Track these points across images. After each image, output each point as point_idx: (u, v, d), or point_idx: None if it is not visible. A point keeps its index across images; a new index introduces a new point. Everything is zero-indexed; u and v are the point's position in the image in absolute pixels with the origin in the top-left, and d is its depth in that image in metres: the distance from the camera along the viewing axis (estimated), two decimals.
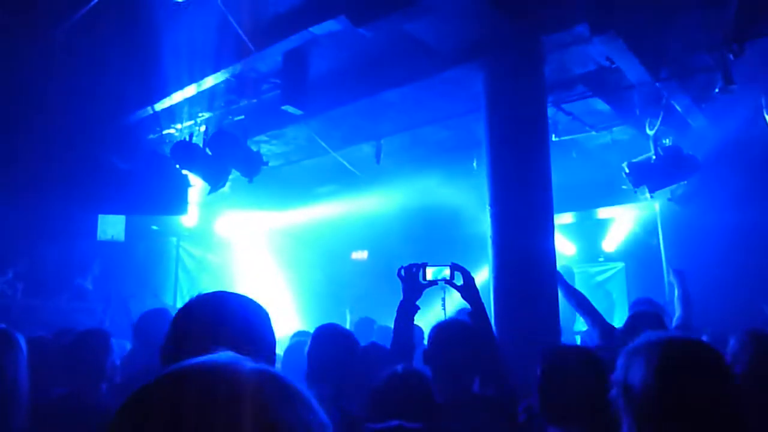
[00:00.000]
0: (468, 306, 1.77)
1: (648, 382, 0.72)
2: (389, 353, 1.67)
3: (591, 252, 5.73)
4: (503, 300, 2.41)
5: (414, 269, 1.79)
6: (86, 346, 1.48)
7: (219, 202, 5.11)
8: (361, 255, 6.92)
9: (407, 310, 1.74)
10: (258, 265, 6.24)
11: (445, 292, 4.47)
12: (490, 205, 2.54)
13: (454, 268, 1.78)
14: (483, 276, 2.52)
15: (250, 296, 0.81)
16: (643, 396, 0.71)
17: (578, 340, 3.96)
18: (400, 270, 1.81)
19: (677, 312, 2.33)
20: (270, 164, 3.82)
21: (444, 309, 4.50)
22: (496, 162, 2.52)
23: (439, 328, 1.57)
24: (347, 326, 3.37)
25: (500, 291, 2.43)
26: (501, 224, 2.51)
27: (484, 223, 2.52)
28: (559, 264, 2.47)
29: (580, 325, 4.35)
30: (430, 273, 1.78)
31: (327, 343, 1.56)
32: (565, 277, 2.36)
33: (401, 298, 1.75)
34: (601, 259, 5.78)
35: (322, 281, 6.19)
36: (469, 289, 1.75)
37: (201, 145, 3.50)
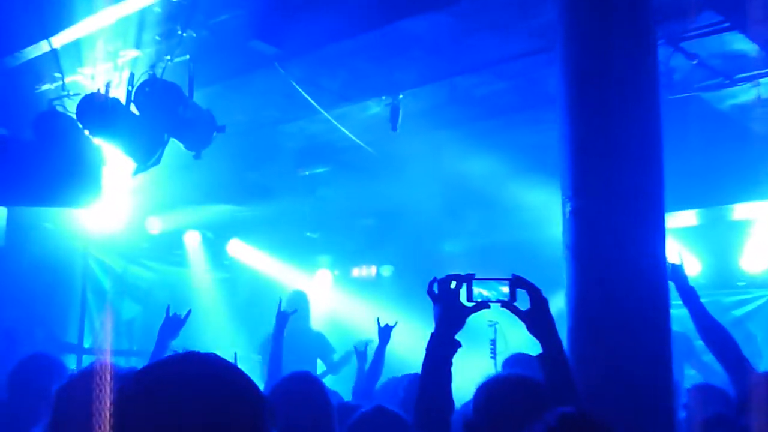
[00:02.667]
0: (533, 346, 1.82)
1: None
2: (407, 426, 1.71)
3: (724, 271, 5.56)
4: (586, 337, 2.45)
5: (454, 284, 1.82)
6: None
7: (154, 190, 5.14)
8: (370, 271, 7.41)
9: (442, 348, 1.73)
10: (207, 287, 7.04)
11: (496, 331, 5.40)
12: (568, 198, 2.58)
13: (516, 284, 1.80)
14: (556, 303, 2.59)
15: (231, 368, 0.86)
16: None
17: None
18: (432, 285, 1.84)
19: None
20: (228, 131, 3.70)
21: (494, 354, 4.85)
22: (577, 131, 2.52)
23: (491, 387, 1.58)
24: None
25: (581, 324, 2.47)
26: (584, 226, 2.54)
27: (556, 225, 2.61)
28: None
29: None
30: (478, 289, 1.85)
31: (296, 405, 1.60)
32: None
33: (433, 329, 1.78)
34: (740, 284, 5.65)
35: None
36: (539, 319, 1.77)
37: (123, 101, 3.31)
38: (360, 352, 4.06)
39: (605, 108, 2.46)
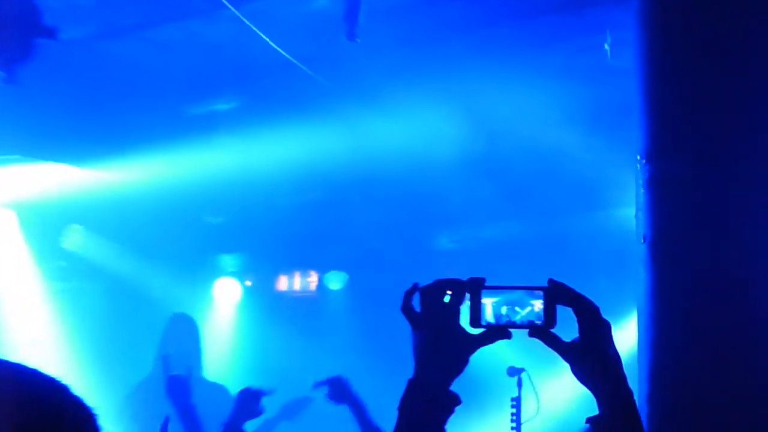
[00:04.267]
0: (586, 406, 1.86)
1: None
2: None
3: None
4: (676, 386, 2.56)
5: (449, 294, 1.82)
6: None
7: None
8: (306, 282, 7.65)
9: (428, 406, 1.73)
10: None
11: (521, 382, 5.64)
12: (645, 160, 2.71)
13: (555, 296, 1.82)
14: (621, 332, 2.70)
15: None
16: None
17: None
18: (409, 296, 1.84)
19: None
20: (69, 38, 3.94)
21: (518, 422, 4.98)
22: (662, 58, 2.72)
23: None
24: None
25: (667, 364, 2.59)
26: (672, 205, 2.68)
27: (621, 206, 2.72)
28: None
29: None
30: (491, 305, 1.85)
31: None
32: None
33: (411, 374, 1.77)
34: None
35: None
36: (595, 356, 1.79)
37: None
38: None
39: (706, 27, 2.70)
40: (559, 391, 5.86)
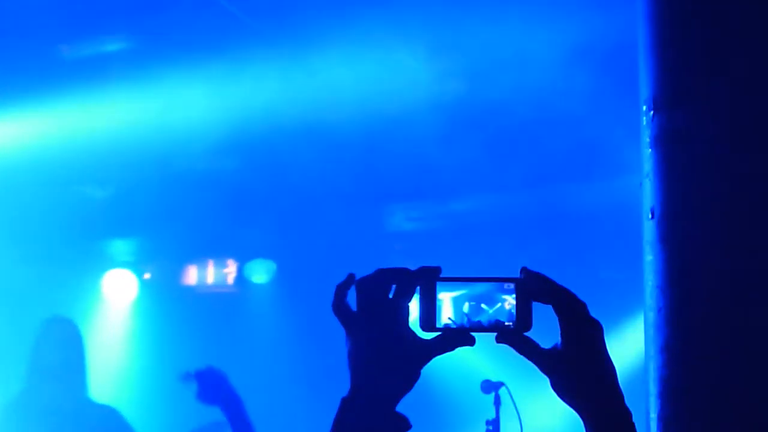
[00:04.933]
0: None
1: None
2: None
3: None
4: (694, 397, 2.61)
5: (394, 288, 1.82)
6: None
7: None
8: (222, 275, 7.80)
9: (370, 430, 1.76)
10: None
11: (499, 401, 5.64)
12: (652, 111, 2.73)
13: (530, 290, 1.83)
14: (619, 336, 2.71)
15: None
16: None
17: None
18: (343, 290, 1.83)
19: None
20: None
21: None
22: None
23: None
24: None
25: (682, 369, 2.63)
26: (685, 178, 2.70)
27: (626, 170, 2.76)
28: None
29: None
30: (450, 302, 1.83)
31: None
32: None
33: (347, 388, 1.76)
34: None
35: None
36: (581, 366, 1.81)
37: None
38: None
39: None
40: (548, 411, 5.89)
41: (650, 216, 2.68)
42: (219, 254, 7.91)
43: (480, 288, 1.84)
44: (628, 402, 1.82)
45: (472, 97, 5.93)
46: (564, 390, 1.81)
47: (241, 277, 7.79)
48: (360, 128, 6.08)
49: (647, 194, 2.72)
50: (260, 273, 7.75)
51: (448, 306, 1.83)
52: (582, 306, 1.80)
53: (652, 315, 2.67)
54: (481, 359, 6.06)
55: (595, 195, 5.66)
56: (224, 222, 7.40)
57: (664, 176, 2.69)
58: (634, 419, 1.82)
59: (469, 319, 1.82)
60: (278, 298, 7.55)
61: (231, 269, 7.81)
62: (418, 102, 5.86)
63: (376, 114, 5.95)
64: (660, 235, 2.68)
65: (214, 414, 4.94)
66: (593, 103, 5.49)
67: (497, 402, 5.29)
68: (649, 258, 2.69)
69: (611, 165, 5.79)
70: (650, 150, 2.70)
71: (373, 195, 7.03)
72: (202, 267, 7.87)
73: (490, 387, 5.39)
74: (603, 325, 1.82)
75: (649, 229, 2.70)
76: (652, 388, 2.63)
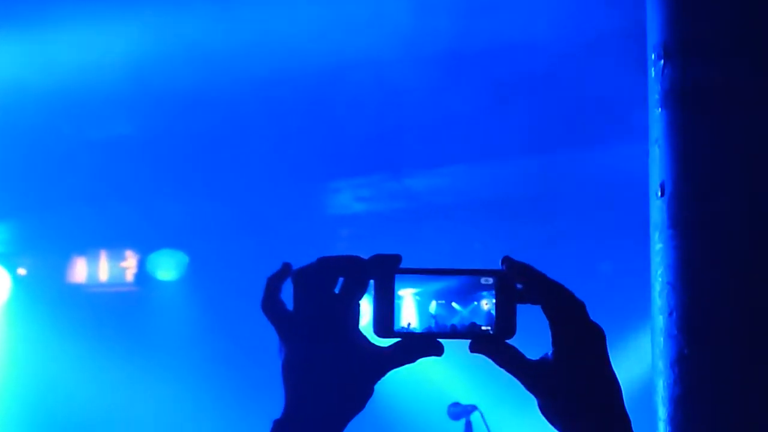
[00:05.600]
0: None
1: None
2: None
3: None
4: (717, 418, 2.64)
5: (345, 281, 1.83)
6: None
7: None
8: (118, 269, 7.94)
9: None
10: None
11: (470, 424, 5.62)
12: (662, 60, 2.76)
13: (511, 285, 1.86)
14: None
15: None
16: None
17: None
18: (275, 283, 1.85)
19: None
20: None
21: None
22: None
23: None
24: None
25: (699, 383, 2.67)
26: (704, 143, 2.73)
27: (630, 135, 2.76)
28: None
29: None
30: (411, 300, 1.85)
31: None
32: None
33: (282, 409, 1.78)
34: None
35: None
36: (581, 383, 1.83)
37: None
38: None
39: None
40: None
41: (659, 193, 2.69)
42: (114, 244, 7.88)
43: (450, 283, 1.86)
44: (635, 427, 1.83)
45: (445, 44, 5.95)
46: (555, 413, 1.83)
47: (143, 273, 7.77)
48: (296, 83, 6.09)
49: (655, 166, 2.72)
50: (167, 267, 7.74)
51: (409, 305, 1.85)
52: (580, 306, 1.81)
53: (661, 319, 2.69)
54: (449, 374, 6.08)
55: (593, 167, 5.67)
56: (120, 204, 7.37)
57: (677, 143, 2.70)
58: None
59: (436, 322, 1.83)
60: (191, 298, 7.55)
61: (130, 263, 7.79)
62: (369, 48, 5.85)
63: (316, 65, 5.95)
64: (671, 218, 2.68)
65: None
66: (593, 53, 5.53)
67: (468, 429, 5.34)
68: (658, 246, 2.70)
69: (612, 129, 5.82)
70: (660, 110, 2.72)
71: (314, 168, 7.01)
72: (93, 260, 7.84)
73: (461, 412, 5.44)
74: (605, 332, 1.83)
75: (657, 210, 2.70)
76: (662, 412, 2.65)
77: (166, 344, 7.39)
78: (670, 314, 2.65)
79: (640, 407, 2.26)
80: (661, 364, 2.65)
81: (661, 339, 2.67)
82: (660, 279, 2.68)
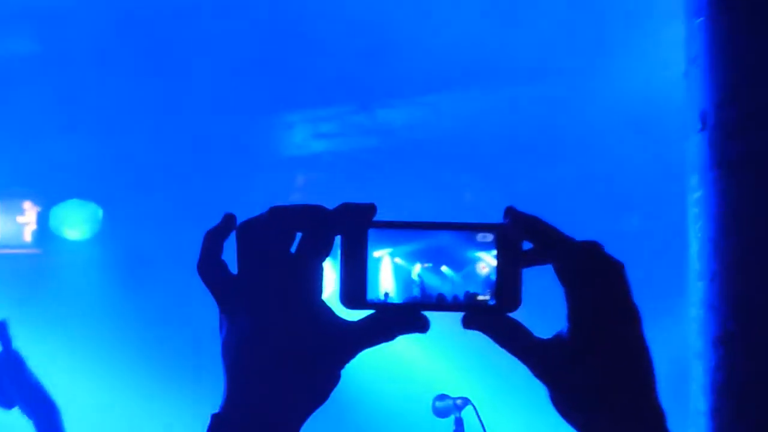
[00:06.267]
0: None
1: None
2: None
3: None
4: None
5: (304, 237, 1.81)
6: None
7: None
8: (26, 223, 8.03)
9: None
10: None
11: (460, 422, 5.72)
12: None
13: (515, 243, 1.84)
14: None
15: None
16: None
17: None
18: (213, 243, 1.84)
19: None
20: None
21: None
22: None
23: None
24: None
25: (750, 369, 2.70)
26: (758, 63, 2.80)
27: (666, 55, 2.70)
28: None
29: None
30: (389, 263, 1.86)
31: None
32: None
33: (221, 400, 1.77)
34: None
35: None
36: (608, 371, 1.82)
37: None
38: None
39: None
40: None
41: (701, 126, 2.72)
42: (7, 194, 7.85)
43: (439, 241, 1.87)
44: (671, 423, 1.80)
45: None
46: (571, 406, 1.82)
47: (44, 230, 7.78)
48: None
49: (694, 91, 2.77)
50: (77, 223, 7.73)
51: (387, 269, 1.86)
52: (617, 272, 1.77)
53: (701, 286, 2.73)
54: (436, 358, 6.11)
55: (612, 92, 5.68)
56: (15, 141, 7.40)
57: (722, 60, 2.74)
58: None
59: (421, 290, 1.85)
60: (107, 261, 7.56)
61: (28, 218, 7.78)
62: None
63: None
64: (715, 156, 2.71)
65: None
66: None
67: (459, 427, 5.37)
68: (698, 194, 2.74)
69: (639, 45, 5.87)
70: (701, 19, 2.77)
71: (263, 99, 7.05)
72: None
73: (449, 407, 5.46)
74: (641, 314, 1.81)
75: (697, 147, 2.74)
76: (702, 403, 2.69)
77: (76, 320, 7.41)
78: (712, 280, 2.68)
79: (674, 397, 2.27)
80: (700, 344, 2.68)
81: (701, 312, 2.69)
82: (699, 235, 2.70)
